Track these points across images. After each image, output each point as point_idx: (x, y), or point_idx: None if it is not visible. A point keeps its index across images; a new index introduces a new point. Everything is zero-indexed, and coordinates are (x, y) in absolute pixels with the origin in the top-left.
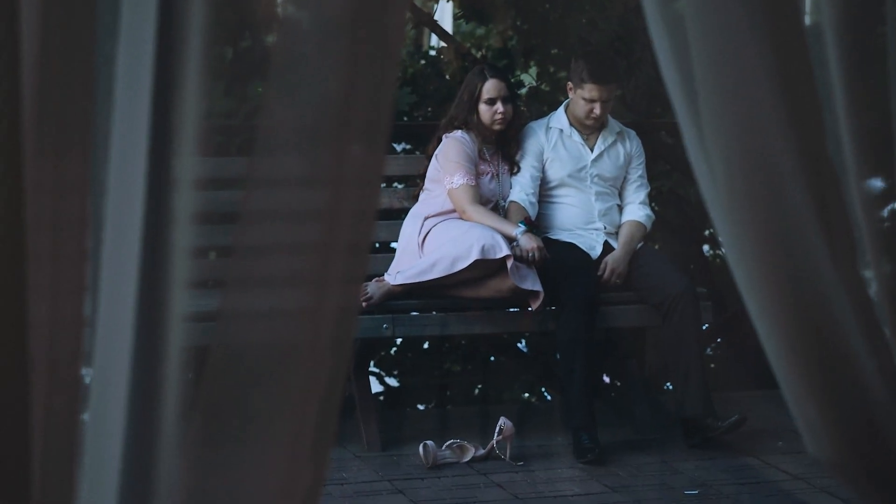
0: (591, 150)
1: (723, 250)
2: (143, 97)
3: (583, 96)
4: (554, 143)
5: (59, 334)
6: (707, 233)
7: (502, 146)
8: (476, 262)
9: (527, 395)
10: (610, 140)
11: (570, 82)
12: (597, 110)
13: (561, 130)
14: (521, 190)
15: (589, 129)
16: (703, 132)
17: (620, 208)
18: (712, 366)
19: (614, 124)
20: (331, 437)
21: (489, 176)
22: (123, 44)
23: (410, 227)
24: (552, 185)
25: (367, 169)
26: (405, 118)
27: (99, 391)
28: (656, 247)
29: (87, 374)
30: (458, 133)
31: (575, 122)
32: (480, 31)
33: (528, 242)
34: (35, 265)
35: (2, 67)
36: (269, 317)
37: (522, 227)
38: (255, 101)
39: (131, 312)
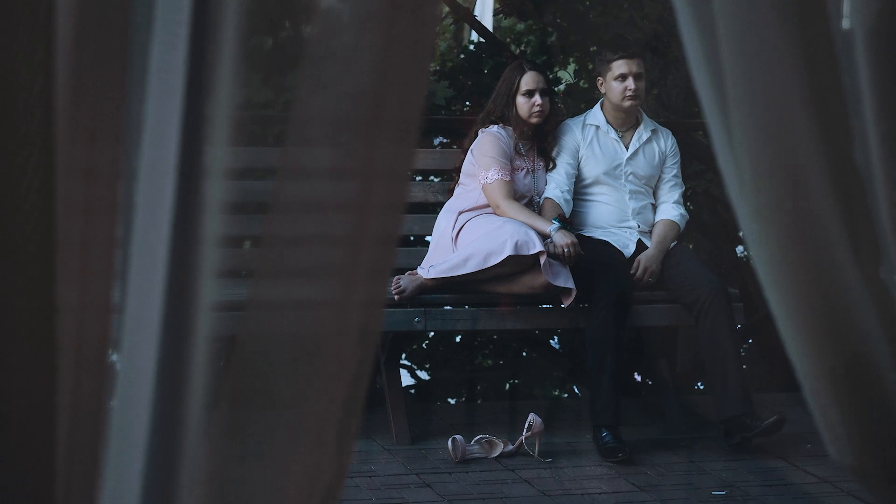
0: (627, 148)
1: (748, 252)
2: (176, 85)
3: (614, 77)
4: (590, 140)
5: (88, 320)
6: (741, 234)
7: (538, 142)
8: (509, 257)
9: (557, 391)
10: (645, 137)
11: (599, 77)
12: (631, 84)
13: (597, 127)
14: (555, 187)
15: (625, 116)
16: (731, 134)
17: (654, 207)
18: (744, 367)
19: (649, 122)
20: (355, 429)
21: (524, 172)
22: (157, 32)
23: (444, 221)
24: (587, 182)
25: (397, 162)
26: (442, 112)
27: (125, 379)
28: (690, 246)
29: (116, 360)
30: (494, 128)
31: (611, 119)
32: (520, 26)
33: (562, 239)
34: (65, 251)
35: (37, 55)
36: (296, 308)
37: (556, 224)
38: (292, 92)
39: (160, 300)
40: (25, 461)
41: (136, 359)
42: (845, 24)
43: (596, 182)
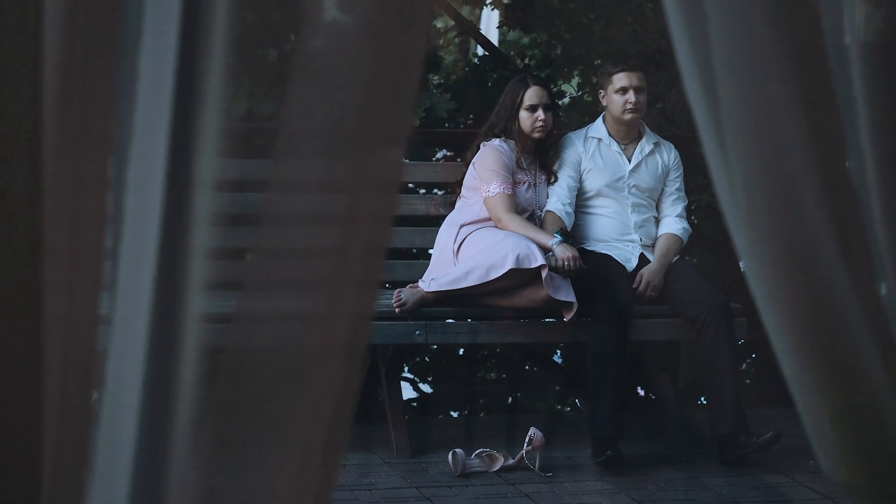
0: (629, 161)
1: (742, 265)
2: (165, 96)
3: (615, 90)
4: (592, 153)
5: (75, 331)
6: (738, 249)
7: (540, 155)
8: (510, 271)
9: (558, 405)
10: (647, 150)
11: (601, 90)
12: (632, 97)
13: (599, 140)
14: (557, 200)
15: (627, 129)
16: (725, 147)
17: (657, 221)
18: (747, 381)
19: (651, 135)
20: (343, 441)
21: (526, 185)
22: (146, 41)
23: (446, 234)
24: (589, 195)
25: (386, 174)
26: (446, 125)
27: (113, 389)
28: (693, 261)
29: (104, 371)
30: (496, 141)
31: (613, 132)
32: (525, 40)
33: (564, 252)
34: (52, 261)
35: (25, 63)
36: (284, 320)
37: (558, 238)
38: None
39: (148, 312)
40: (11, 473)
41: (123, 370)
42: (846, 38)
43: (598, 195)
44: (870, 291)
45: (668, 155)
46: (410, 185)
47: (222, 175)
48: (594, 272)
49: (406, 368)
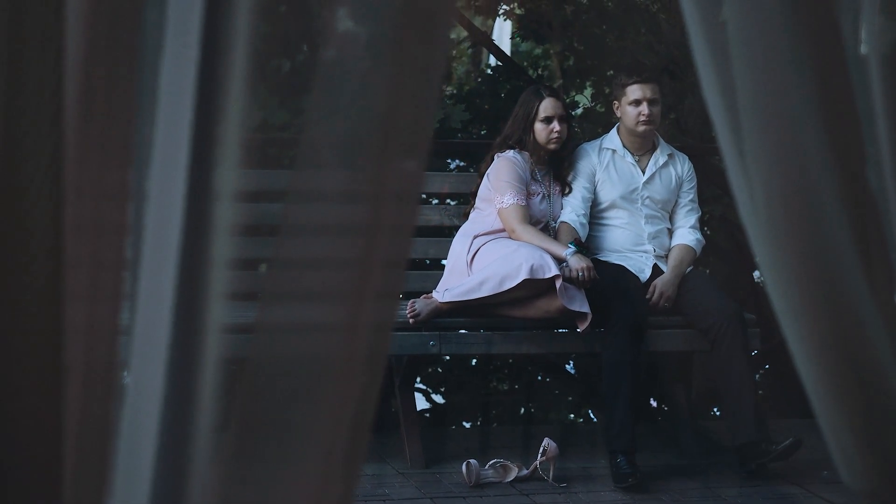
0: (643, 172)
1: (761, 275)
2: (186, 107)
3: (628, 101)
4: (606, 164)
5: (96, 342)
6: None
7: (555, 167)
8: (524, 281)
9: (572, 416)
10: (661, 161)
11: (615, 101)
12: (645, 109)
13: (613, 151)
14: (571, 211)
15: (641, 141)
16: (744, 157)
17: (671, 232)
18: (760, 392)
19: (665, 146)
20: (363, 452)
21: (540, 196)
22: (168, 53)
23: (460, 245)
24: (603, 206)
25: (407, 184)
26: (459, 135)
27: (133, 400)
28: (706, 271)
29: (124, 381)
30: (511, 153)
31: (627, 143)
32: (538, 51)
33: (578, 263)
34: (73, 272)
35: (46, 74)
36: (304, 330)
37: (572, 248)
38: (305, 114)
39: (168, 322)
40: (32, 483)
41: (144, 381)
42: (862, 49)
43: (612, 206)
44: (889, 300)
45: (682, 166)
46: (423, 196)
47: (243, 186)
48: (608, 283)
49: (419, 379)
